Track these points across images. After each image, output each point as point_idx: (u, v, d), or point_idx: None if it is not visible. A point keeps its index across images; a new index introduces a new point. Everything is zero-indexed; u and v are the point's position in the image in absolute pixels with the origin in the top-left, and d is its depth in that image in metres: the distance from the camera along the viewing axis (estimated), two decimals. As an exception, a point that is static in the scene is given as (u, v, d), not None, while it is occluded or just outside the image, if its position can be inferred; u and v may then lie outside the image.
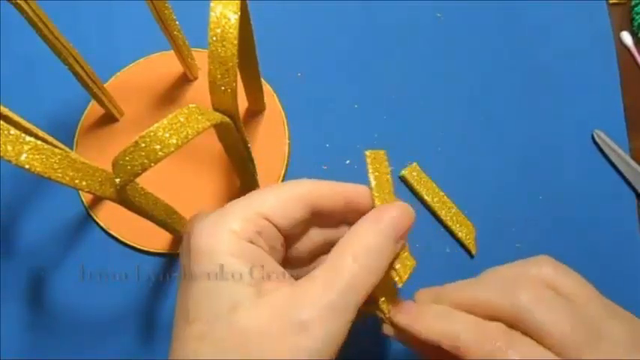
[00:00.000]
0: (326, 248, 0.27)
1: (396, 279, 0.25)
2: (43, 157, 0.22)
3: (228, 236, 0.22)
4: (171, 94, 0.40)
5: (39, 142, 0.22)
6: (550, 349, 0.21)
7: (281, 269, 0.23)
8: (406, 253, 0.26)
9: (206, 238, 0.22)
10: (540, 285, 0.23)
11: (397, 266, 0.25)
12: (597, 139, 0.38)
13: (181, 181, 0.37)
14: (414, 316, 0.25)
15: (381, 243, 0.23)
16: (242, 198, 0.24)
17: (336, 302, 0.21)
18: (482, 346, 0.22)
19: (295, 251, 0.26)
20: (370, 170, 0.26)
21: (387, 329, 0.27)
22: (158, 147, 0.22)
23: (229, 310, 0.20)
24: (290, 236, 0.25)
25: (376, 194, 0.25)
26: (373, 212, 0.24)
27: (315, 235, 0.27)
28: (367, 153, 0.26)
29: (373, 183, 0.26)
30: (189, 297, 0.22)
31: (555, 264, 0.24)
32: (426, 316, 0.24)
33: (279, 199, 0.24)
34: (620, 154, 0.37)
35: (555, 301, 0.23)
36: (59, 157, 0.22)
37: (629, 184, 0.37)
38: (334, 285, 0.21)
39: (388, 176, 0.26)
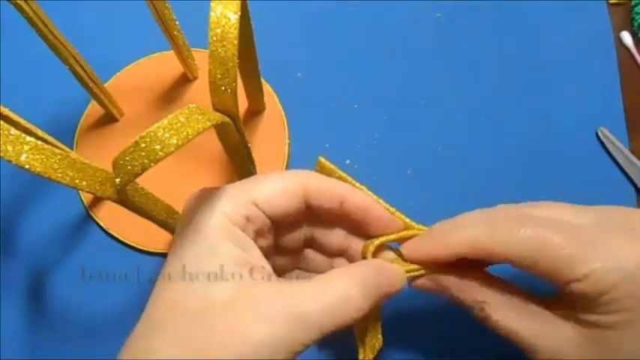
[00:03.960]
0: (317, 245, 0.27)
1: (360, 356, 0.25)
2: (43, 157, 0.22)
3: (220, 217, 0.23)
4: (171, 94, 0.40)
5: (39, 142, 0.21)
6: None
7: (260, 262, 0.23)
8: (378, 328, 0.26)
9: (200, 213, 0.23)
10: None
11: (366, 340, 0.25)
12: (601, 137, 0.38)
13: (181, 181, 0.37)
14: (427, 240, 0.25)
15: (364, 300, 0.23)
16: (240, 182, 0.25)
17: (299, 328, 0.21)
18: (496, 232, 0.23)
19: (286, 241, 0.27)
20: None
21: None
22: (158, 147, 0.22)
23: (206, 281, 0.21)
24: (282, 225, 0.25)
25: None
26: (374, 265, 0.24)
27: (309, 231, 0.27)
28: None
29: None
30: (172, 257, 0.23)
31: None
32: (439, 235, 0.25)
33: (273, 188, 0.24)
34: (623, 150, 0.37)
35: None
36: (59, 157, 0.22)
37: (630, 180, 0.37)
38: (303, 319, 0.21)
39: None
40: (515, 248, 0.23)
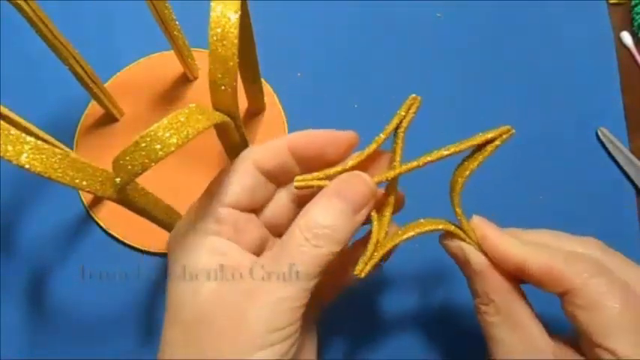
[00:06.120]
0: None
1: (356, 270, 0.24)
2: (43, 157, 0.22)
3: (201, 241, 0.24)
4: (171, 94, 0.40)
5: (39, 142, 0.21)
6: None
7: (243, 258, 0.24)
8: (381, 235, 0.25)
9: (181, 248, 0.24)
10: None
11: (366, 253, 0.24)
12: (601, 137, 0.38)
13: (181, 181, 0.37)
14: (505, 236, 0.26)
15: (335, 220, 0.23)
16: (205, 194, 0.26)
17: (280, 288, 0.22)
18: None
19: (270, 218, 0.27)
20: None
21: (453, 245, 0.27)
22: (158, 147, 0.22)
23: (192, 294, 0.22)
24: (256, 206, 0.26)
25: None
26: (332, 187, 0.24)
27: (281, 198, 0.27)
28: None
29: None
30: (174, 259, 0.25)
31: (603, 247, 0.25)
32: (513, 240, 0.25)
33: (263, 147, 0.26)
34: (623, 150, 0.37)
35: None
36: (59, 157, 0.22)
37: (630, 180, 0.37)
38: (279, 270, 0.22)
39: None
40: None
